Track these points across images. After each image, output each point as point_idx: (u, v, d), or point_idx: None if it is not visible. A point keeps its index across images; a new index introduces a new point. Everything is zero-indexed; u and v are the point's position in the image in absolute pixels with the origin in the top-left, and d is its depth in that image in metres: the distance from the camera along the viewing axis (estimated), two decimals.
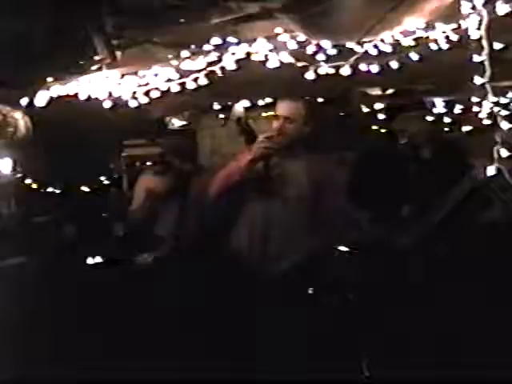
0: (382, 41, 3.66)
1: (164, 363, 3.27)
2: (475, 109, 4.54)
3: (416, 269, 3.66)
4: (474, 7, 3.33)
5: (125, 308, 3.84)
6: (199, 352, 3.26)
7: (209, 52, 3.93)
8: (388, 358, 3.32)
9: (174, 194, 4.57)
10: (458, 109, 5.33)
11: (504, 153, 3.15)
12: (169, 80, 4.04)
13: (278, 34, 3.82)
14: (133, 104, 4.15)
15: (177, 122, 6.13)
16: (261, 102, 5.63)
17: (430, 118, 4.41)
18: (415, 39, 3.64)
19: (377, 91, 5.34)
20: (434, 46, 3.66)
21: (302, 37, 3.80)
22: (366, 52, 3.68)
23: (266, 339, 3.19)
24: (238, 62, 3.89)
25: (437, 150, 3.83)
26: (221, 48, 3.90)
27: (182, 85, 3.99)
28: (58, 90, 4.26)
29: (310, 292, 4.51)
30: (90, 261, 4.49)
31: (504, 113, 3.27)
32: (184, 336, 3.45)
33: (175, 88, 4.01)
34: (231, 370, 3.06)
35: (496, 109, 3.27)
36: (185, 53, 4.01)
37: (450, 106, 5.22)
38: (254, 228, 3.36)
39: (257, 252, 3.35)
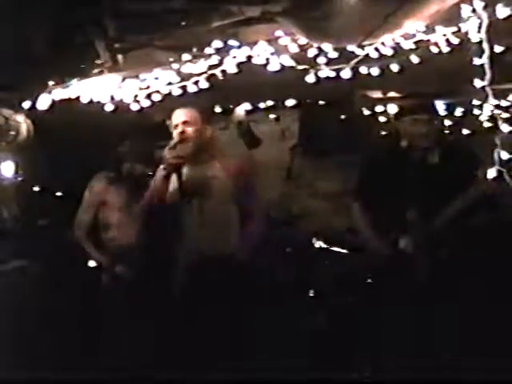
0: (383, 44, 3.67)
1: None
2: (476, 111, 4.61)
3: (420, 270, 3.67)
4: (474, 10, 3.34)
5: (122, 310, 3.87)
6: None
7: (210, 55, 3.94)
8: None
9: (129, 202, 4.39)
10: (459, 112, 5.37)
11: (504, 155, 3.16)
12: (170, 83, 4.05)
13: (278, 38, 3.83)
14: (134, 107, 4.16)
15: None
16: (262, 105, 5.63)
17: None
18: (416, 42, 3.65)
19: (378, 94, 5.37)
20: (434, 49, 3.66)
21: (302, 40, 3.82)
22: (367, 55, 3.68)
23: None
24: (239, 65, 3.90)
25: (443, 154, 3.82)
26: (222, 51, 3.91)
27: (183, 88, 4.00)
28: (60, 93, 4.28)
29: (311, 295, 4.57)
30: (91, 264, 4.50)
31: (505, 115, 3.27)
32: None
33: (176, 91, 4.02)
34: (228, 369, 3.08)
35: (496, 112, 3.27)
36: (186, 56, 4.02)
37: (451, 108, 5.25)
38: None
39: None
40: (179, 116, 3.55)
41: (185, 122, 3.50)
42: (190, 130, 3.48)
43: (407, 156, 3.86)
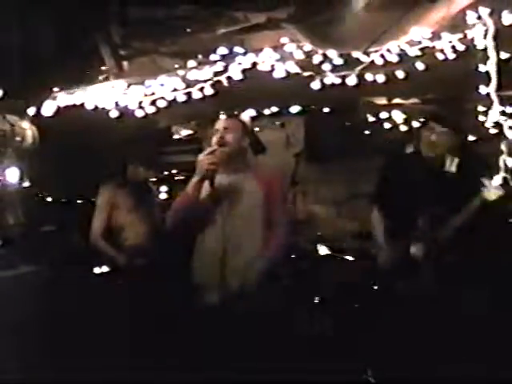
0: (389, 50, 3.66)
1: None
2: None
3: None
4: (479, 17, 3.34)
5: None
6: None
7: (215, 62, 3.95)
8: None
9: (137, 205, 4.49)
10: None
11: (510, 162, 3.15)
12: (175, 90, 4.05)
13: (284, 44, 3.84)
14: (139, 113, 4.17)
15: (183, 132, 6.15)
16: (267, 112, 5.63)
17: None
18: (421, 49, 3.64)
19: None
20: (440, 56, 3.65)
21: (308, 46, 3.82)
22: (373, 62, 3.68)
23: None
24: (244, 71, 3.91)
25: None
26: (227, 58, 3.92)
27: (188, 94, 4.01)
28: (65, 99, 4.28)
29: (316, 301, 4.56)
30: (96, 270, 4.50)
31: (510, 122, 3.27)
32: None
33: (181, 98, 4.03)
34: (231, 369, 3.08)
35: (502, 118, 3.27)
36: (191, 62, 4.03)
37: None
38: (214, 246, 3.42)
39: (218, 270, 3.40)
40: (221, 122, 3.58)
41: (225, 128, 3.53)
42: (229, 136, 3.50)
43: (419, 162, 3.83)
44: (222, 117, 3.71)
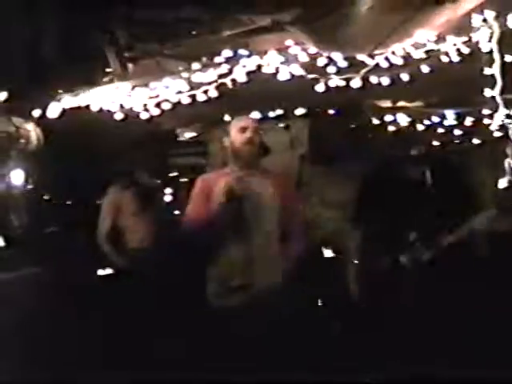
0: (393, 53, 3.66)
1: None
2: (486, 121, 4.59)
3: None
4: (485, 20, 3.34)
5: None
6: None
7: (220, 64, 3.95)
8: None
9: (142, 208, 4.52)
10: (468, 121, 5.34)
11: None
12: (179, 92, 4.05)
13: (288, 47, 3.84)
14: (144, 116, 4.17)
15: (187, 134, 6.15)
16: (272, 114, 5.63)
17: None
18: (426, 52, 3.64)
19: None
20: (444, 59, 3.65)
21: (312, 49, 3.82)
22: (377, 64, 3.68)
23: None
24: (248, 74, 3.90)
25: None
26: (232, 60, 3.92)
27: (193, 97, 4.01)
28: (69, 101, 4.29)
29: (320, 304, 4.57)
30: (100, 272, 4.51)
31: None
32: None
33: (186, 100, 4.03)
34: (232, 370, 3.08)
35: (507, 121, 3.27)
36: (196, 65, 4.03)
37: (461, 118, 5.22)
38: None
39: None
40: (247, 121, 3.48)
41: (254, 128, 3.44)
42: (255, 135, 3.41)
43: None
44: (237, 117, 3.62)
